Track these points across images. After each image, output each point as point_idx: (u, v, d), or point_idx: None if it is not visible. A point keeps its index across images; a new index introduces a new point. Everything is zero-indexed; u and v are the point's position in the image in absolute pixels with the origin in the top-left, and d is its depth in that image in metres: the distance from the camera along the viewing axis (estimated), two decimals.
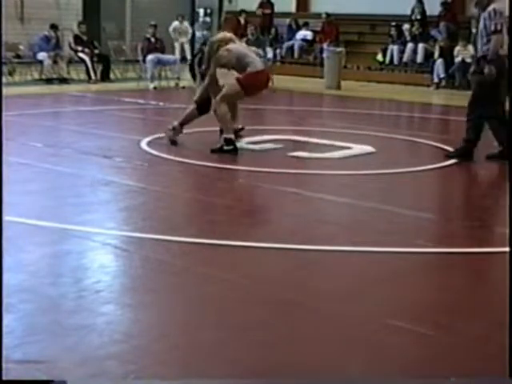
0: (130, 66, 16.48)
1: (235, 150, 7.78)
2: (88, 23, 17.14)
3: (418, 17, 17.81)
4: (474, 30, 7.78)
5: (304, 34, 19.71)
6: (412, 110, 13.84)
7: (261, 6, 20.44)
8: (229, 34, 8.48)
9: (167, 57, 15.78)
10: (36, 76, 15.28)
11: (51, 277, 4.08)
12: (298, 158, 7.75)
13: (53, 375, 2.88)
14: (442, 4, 17.37)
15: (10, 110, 9.16)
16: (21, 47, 15.87)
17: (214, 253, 4.63)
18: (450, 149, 8.16)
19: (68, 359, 3.07)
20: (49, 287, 3.90)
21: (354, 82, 16.80)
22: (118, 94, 13.38)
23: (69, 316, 3.55)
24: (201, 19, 22.94)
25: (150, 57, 15.00)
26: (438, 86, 16.27)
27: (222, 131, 8.06)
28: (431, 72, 16.49)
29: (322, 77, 16.39)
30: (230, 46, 8.07)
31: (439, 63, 16.29)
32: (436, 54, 16.61)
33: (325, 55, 16.76)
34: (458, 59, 15.81)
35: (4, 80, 13.53)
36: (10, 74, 14.85)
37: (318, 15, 19.69)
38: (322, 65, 17.16)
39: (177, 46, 18.75)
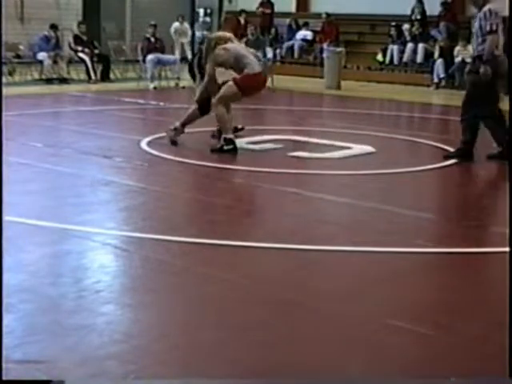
0: (129, 66, 16.46)
1: (235, 150, 7.79)
2: (88, 23, 17.14)
3: (418, 17, 17.81)
4: (473, 30, 7.81)
5: (304, 33, 19.70)
6: (412, 110, 13.84)
7: (261, 5, 20.44)
8: (228, 34, 8.51)
9: (167, 57, 15.78)
10: (36, 76, 15.27)
11: (51, 277, 4.08)
12: (298, 157, 7.75)
13: (53, 375, 2.88)
14: (442, 4, 17.37)
15: (10, 109, 9.16)
16: (21, 47, 15.86)
17: (214, 253, 4.63)
18: (450, 149, 8.16)
19: (68, 359, 3.07)
20: (49, 287, 3.90)
21: (354, 82, 16.79)
22: (117, 94, 13.38)
23: (69, 316, 3.55)
24: (201, 19, 22.96)
25: (149, 57, 15.00)
26: (437, 86, 16.27)
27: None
28: (431, 72, 16.49)
29: (321, 77, 16.39)
30: (228, 45, 8.07)
31: (439, 63, 16.29)
32: (436, 54, 16.61)
33: (325, 55, 16.76)
34: (457, 59, 15.80)
35: (4, 80, 13.52)
36: (10, 73, 14.84)
37: (318, 15, 19.69)
38: (322, 65, 17.16)
39: (177, 46, 18.76)
